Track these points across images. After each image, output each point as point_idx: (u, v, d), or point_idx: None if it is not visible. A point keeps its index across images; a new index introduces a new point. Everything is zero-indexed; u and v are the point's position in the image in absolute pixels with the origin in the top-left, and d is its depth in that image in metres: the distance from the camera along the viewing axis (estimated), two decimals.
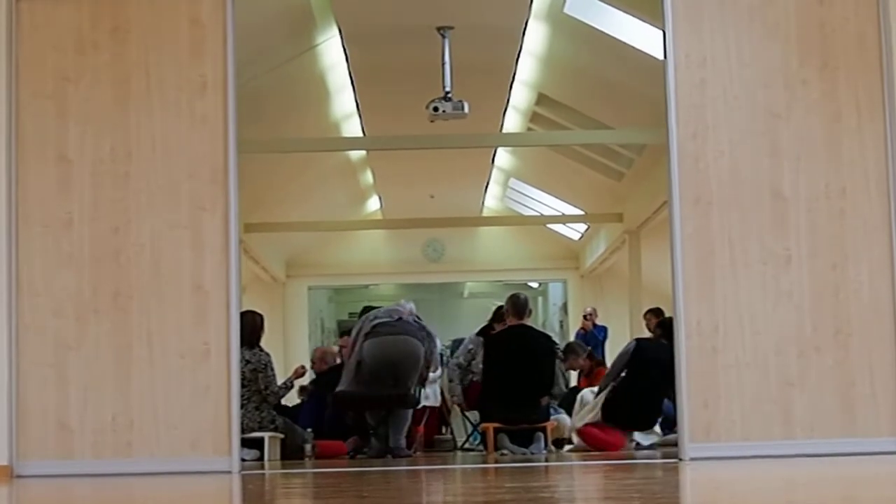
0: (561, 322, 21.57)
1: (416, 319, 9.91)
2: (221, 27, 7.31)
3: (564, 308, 21.35)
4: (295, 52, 11.77)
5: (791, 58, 7.36)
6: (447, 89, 10.74)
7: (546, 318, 22.86)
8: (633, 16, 10.42)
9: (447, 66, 10.74)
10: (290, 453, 9.77)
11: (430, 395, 11.11)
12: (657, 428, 10.15)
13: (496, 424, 9.81)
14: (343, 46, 11.38)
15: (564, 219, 19.40)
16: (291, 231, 18.44)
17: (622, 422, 9.84)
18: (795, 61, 7.37)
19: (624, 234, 16.92)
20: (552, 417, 10.21)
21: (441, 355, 11.49)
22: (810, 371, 7.19)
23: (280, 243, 19.11)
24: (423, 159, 15.03)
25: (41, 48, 7.33)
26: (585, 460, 8.39)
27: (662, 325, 10.60)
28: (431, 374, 10.79)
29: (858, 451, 7.06)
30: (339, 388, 9.93)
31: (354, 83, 12.45)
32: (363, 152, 16.19)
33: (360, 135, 14.54)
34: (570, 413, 10.45)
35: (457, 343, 11.87)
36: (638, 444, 9.95)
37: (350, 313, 20.97)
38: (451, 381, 10.47)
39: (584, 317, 14.84)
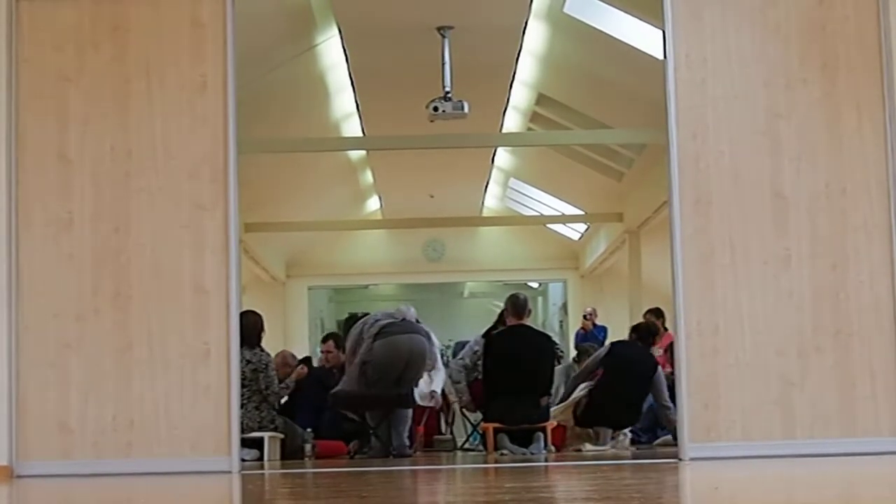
0: (561, 322, 21.56)
1: (418, 321, 9.96)
2: (222, 27, 7.31)
3: (564, 308, 21.34)
4: (295, 52, 11.77)
5: (791, 58, 7.37)
6: (447, 89, 10.74)
7: (546, 318, 22.85)
8: (633, 16, 10.42)
9: (447, 66, 10.74)
10: (290, 453, 9.77)
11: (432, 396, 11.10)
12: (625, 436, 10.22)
13: (496, 424, 9.81)
14: (343, 46, 11.38)
15: (564, 219, 19.40)
16: (291, 231, 18.43)
17: (600, 423, 9.96)
18: (796, 61, 7.37)
19: (624, 234, 16.92)
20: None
21: (442, 355, 11.48)
22: (810, 371, 7.19)
23: (280, 243, 19.11)
24: (423, 159, 15.02)
25: (41, 48, 7.33)
26: (586, 461, 8.39)
27: (636, 328, 10.70)
28: (433, 376, 10.81)
29: (859, 452, 7.05)
30: (339, 389, 9.92)
31: (354, 83, 12.45)
32: (363, 152, 16.18)
33: (360, 135, 14.53)
34: None
35: (460, 345, 11.85)
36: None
37: (350, 313, 20.97)
38: (457, 382, 10.46)
39: (584, 317, 14.83)
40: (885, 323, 7.22)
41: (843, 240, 7.27)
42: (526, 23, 10.86)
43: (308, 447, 9.93)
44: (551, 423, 9.98)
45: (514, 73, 12.21)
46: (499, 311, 11.38)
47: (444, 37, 10.71)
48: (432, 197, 18.32)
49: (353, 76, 12.21)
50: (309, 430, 10.05)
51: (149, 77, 7.31)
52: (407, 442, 9.66)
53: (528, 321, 10.13)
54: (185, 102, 7.29)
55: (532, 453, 9.48)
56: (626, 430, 10.22)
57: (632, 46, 10.83)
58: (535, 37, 11.61)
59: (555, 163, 16.03)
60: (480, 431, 10.70)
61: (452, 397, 10.98)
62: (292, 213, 17.61)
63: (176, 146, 7.28)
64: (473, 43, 10.84)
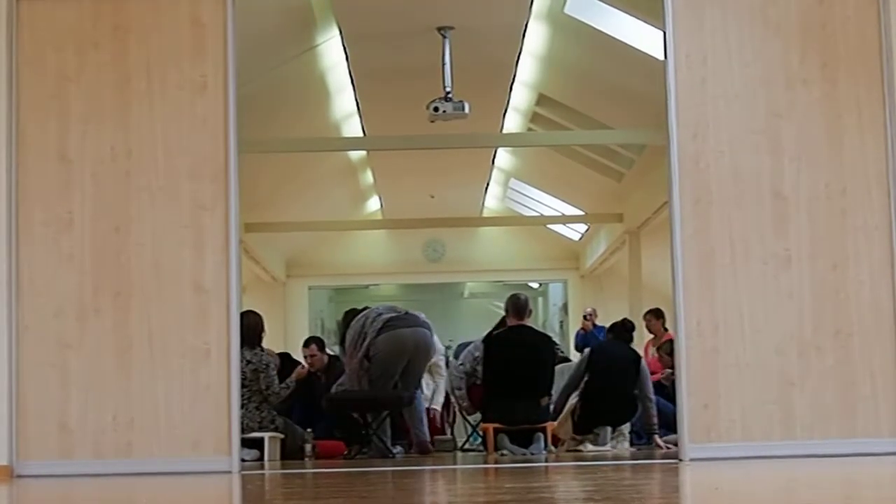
0: (561, 322, 21.55)
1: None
2: (222, 27, 7.31)
3: (564, 308, 21.34)
4: (295, 52, 11.77)
5: (791, 57, 7.37)
6: (447, 89, 10.73)
7: (546, 319, 22.84)
8: (634, 16, 10.42)
9: (447, 67, 10.73)
10: (290, 453, 9.77)
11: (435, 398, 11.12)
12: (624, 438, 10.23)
13: (496, 425, 9.81)
14: (343, 46, 11.38)
15: (564, 219, 19.39)
16: (291, 231, 18.42)
17: (600, 424, 9.98)
18: (796, 61, 7.37)
19: (624, 235, 16.91)
20: None
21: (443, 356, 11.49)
22: (811, 371, 7.19)
23: (280, 243, 19.10)
24: (423, 159, 15.01)
25: (41, 48, 7.33)
26: (586, 461, 8.39)
27: (612, 328, 10.71)
28: (436, 381, 10.86)
29: (859, 452, 7.06)
30: (339, 388, 9.92)
31: (354, 83, 12.45)
32: (363, 152, 16.18)
33: (360, 135, 14.53)
34: None
35: (461, 346, 11.84)
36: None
37: (350, 307, 20.90)
38: (458, 389, 10.43)
39: (584, 317, 14.81)
40: (885, 323, 7.22)
41: (843, 240, 7.27)
42: (526, 23, 10.86)
43: (308, 447, 9.93)
44: (551, 424, 9.99)
45: (515, 73, 12.21)
46: (500, 311, 11.39)
47: (444, 37, 10.71)
48: (433, 197, 18.32)
49: (353, 76, 12.20)
50: (309, 430, 10.06)
51: (149, 77, 7.32)
52: (427, 435, 9.72)
53: (528, 322, 10.14)
54: (186, 102, 7.29)
55: (532, 453, 9.48)
56: (626, 431, 10.20)
57: (632, 47, 10.83)
58: (536, 37, 11.61)
59: (555, 163, 16.03)
60: (480, 432, 10.69)
61: (452, 398, 10.98)
62: (293, 213, 17.61)
63: (176, 146, 7.28)
64: (474, 43, 10.84)
